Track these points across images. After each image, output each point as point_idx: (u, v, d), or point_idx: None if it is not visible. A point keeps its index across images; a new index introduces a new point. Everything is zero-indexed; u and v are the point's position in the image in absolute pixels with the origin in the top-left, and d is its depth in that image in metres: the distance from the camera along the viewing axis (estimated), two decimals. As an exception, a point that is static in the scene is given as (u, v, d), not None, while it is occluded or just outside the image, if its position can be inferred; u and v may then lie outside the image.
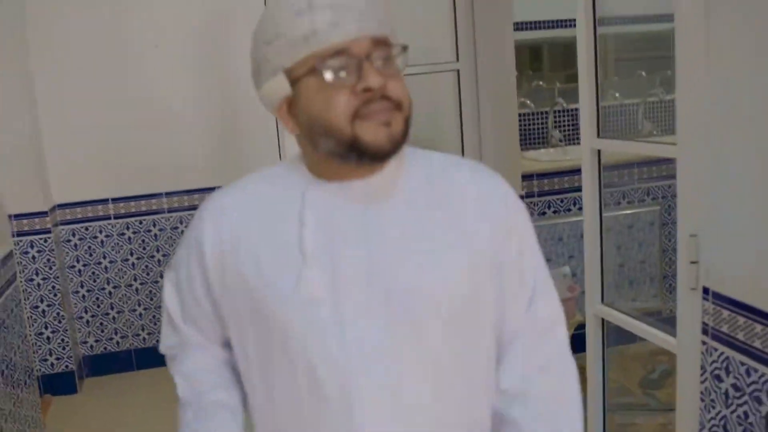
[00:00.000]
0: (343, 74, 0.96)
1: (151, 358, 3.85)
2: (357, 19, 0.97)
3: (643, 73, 4.37)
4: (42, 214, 3.56)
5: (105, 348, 3.93)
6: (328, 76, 0.96)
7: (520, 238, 1.10)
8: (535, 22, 4.40)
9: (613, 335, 2.31)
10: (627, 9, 3.66)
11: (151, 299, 3.93)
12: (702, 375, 1.68)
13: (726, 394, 1.61)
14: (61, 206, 3.74)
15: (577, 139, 2.21)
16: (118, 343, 3.93)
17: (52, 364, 3.68)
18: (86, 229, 3.80)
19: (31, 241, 3.56)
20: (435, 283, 1.02)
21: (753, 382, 1.52)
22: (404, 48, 1.02)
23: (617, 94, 4.45)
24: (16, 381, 2.69)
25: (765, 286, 1.48)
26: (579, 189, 2.28)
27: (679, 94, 1.69)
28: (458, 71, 2.83)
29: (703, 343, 1.66)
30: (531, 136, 4.44)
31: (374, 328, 1.00)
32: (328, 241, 1.02)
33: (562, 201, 3.62)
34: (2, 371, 2.52)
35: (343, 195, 1.03)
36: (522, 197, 2.88)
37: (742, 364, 1.54)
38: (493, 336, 1.09)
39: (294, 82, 0.99)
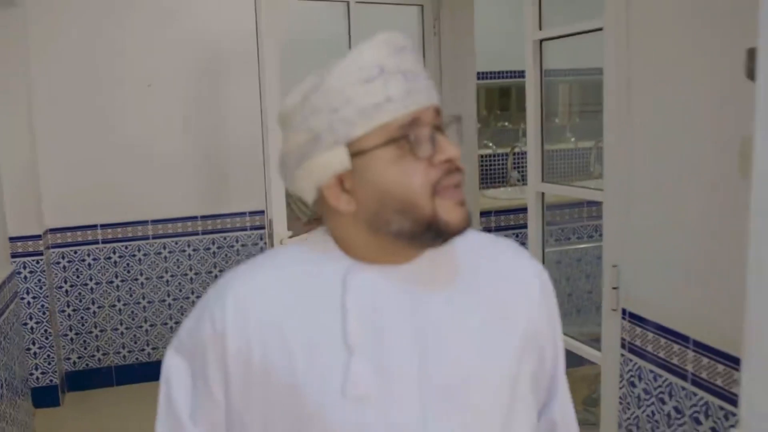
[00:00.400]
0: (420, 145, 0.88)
1: (131, 374, 4.13)
2: (425, 86, 0.91)
3: (605, 117, 4.73)
4: (36, 237, 3.80)
5: (87, 364, 4.13)
6: (421, 147, 0.88)
7: (555, 317, 1.07)
8: (503, 72, 4.79)
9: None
10: (574, 62, 4.03)
11: (133, 319, 4.16)
12: (620, 382, 2.01)
13: (638, 397, 1.94)
14: (53, 230, 3.98)
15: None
16: (99, 359, 4.15)
17: (37, 378, 3.88)
18: (75, 252, 4.04)
19: (24, 263, 3.79)
20: (491, 374, 0.95)
21: (659, 386, 1.85)
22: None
23: (573, 138, 4.85)
24: (15, 388, 2.92)
25: (668, 307, 1.83)
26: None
27: (606, 148, 2.03)
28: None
29: (622, 355, 1.99)
30: (492, 176, 4.81)
31: (428, 425, 0.91)
32: (374, 331, 0.91)
33: (517, 236, 3.96)
34: (6, 379, 2.76)
35: (388, 279, 0.93)
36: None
37: (651, 371, 1.88)
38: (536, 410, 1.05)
39: (355, 154, 0.88)
